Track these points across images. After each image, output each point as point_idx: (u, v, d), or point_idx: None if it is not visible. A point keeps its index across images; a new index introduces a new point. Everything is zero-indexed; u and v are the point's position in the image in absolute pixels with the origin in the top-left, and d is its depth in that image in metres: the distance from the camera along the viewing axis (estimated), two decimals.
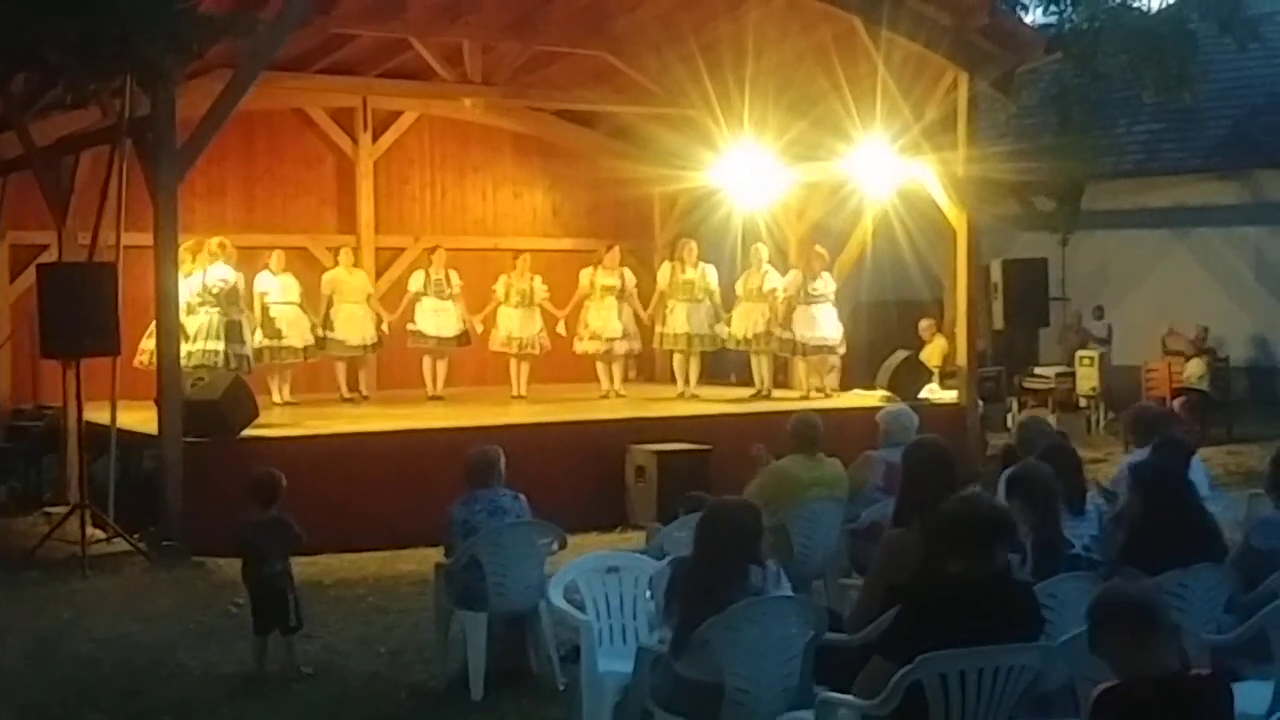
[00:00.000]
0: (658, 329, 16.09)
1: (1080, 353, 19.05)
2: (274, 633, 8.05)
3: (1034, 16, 20.65)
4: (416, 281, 15.92)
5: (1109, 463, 12.54)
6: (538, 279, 16.26)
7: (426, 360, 15.96)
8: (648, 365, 17.53)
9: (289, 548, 8.14)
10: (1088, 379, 18.61)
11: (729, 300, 16.05)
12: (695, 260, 16.01)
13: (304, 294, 15.34)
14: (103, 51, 10.29)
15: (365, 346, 15.68)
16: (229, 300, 14.13)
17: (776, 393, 15.87)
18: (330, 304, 15.51)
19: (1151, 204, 21.48)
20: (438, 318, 15.79)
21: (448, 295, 15.87)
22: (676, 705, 5.50)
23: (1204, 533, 6.29)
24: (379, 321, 15.75)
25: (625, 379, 16.72)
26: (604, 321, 16.01)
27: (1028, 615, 4.99)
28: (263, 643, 8.07)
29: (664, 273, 16.21)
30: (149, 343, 13.11)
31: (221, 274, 14.16)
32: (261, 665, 8.06)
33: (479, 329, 16.08)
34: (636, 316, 16.22)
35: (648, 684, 5.66)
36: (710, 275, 16.03)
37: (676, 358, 16.22)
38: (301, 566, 9.86)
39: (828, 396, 15.41)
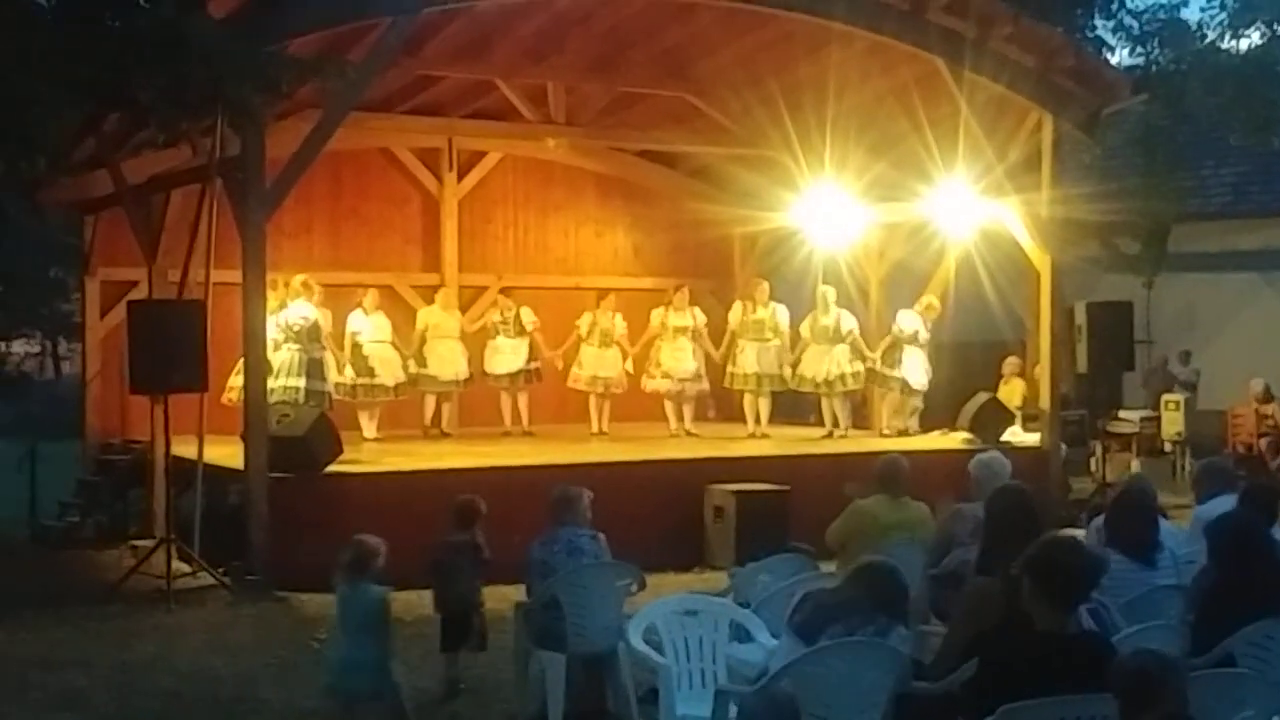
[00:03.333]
0: (729, 369, 16.11)
1: (1165, 397, 18.84)
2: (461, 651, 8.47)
3: (1120, 58, 20.55)
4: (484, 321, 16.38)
5: (1192, 510, 12.36)
6: (618, 317, 16.39)
7: (504, 396, 16.16)
8: (726, 405, 17.50)
9: (478, 570, 8.58)
10: (1173, 423, 18.40)
11: (796, 341, 16.02)
12: (766, 300, 16.04)
13: (395, 332, 15.54)
14: (194, 93, 10.47)
15: (457, 382, 15.90)
16: (310, 338, 14.28)
17: (855, 432, 15.81)
18: (424, 340, 15.72)
19: (1239, 246, 21.23)
20: (504, 356, 16.05)
21: (514, 333, 16.11)
22: None
23: None
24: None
25: (704, 418, 16.77)
26: (678, 361, 16.09)
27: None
28: (450, 659, 8.50)
29: (735, 312, 16.24)
30: (237, 379, 13.27)
31: (302, 311, 14.32)
32: (452, 682, 8.46)
33: (559, 364, 16.22)
34: (708, 356, 16.26)
35: None
36: (781, 315, 16.04)
37: (746, 397, 16.20)
38: None
39: (909, 436, 15.34)
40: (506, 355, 16.12)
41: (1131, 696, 4.32)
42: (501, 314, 16.24)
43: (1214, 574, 6.22)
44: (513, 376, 16.10)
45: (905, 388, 15.92)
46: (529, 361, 16.15)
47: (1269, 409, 18.14)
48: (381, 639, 7.06)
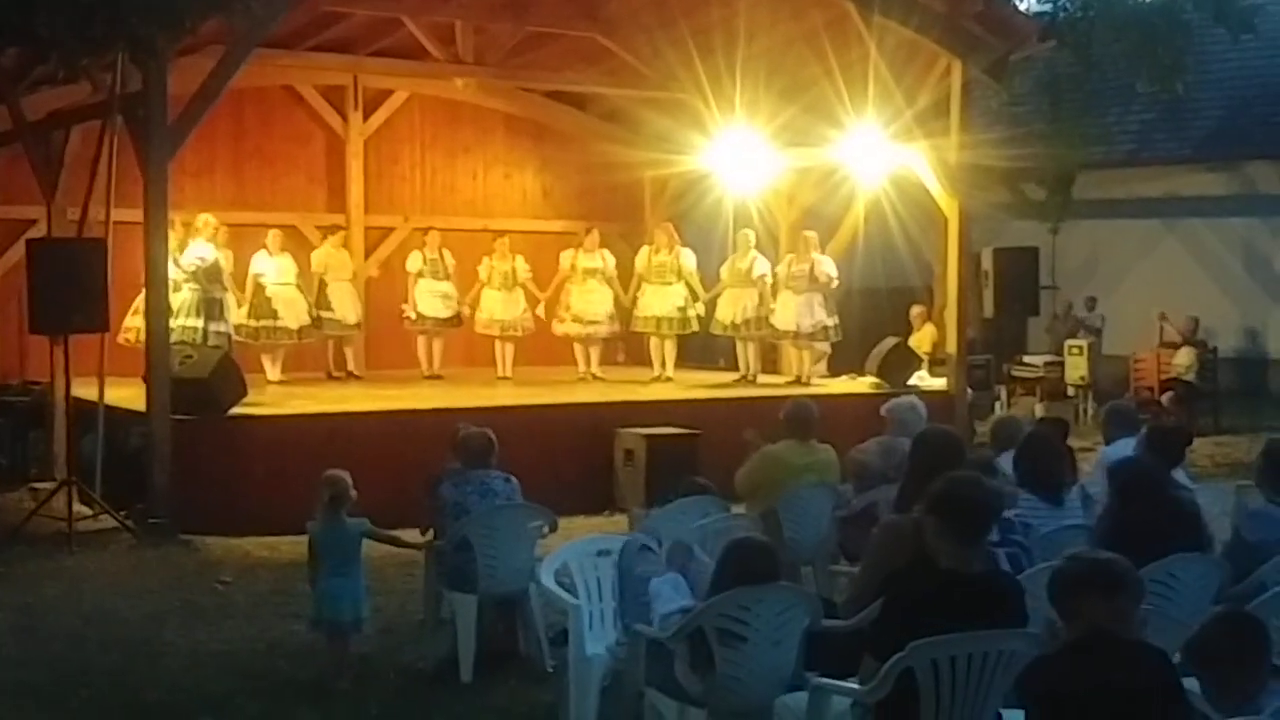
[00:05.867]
0: (634, 312, 16.08)
1: (1069, 342, 19.07)
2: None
3: (1028, 4, 20.65)
4: (414, 262, 16.02)
5: (1096, 452, 12.56)
6: (520, 259, 16.27)
7: (422, 340, 16.06)
8: (636, 349, 17.47)
9: None
10: (1076, 368, 18.64)
11: (713, 285, 15.97)
12: (670, 243, 15.97)
13: (300, 274, 15.34)
14: (95, 26, 10.22)
15: (357, 325, 15.79)
16: (209, 278, 14.06)
17: (765, 378, 15.82)
18: (323, 283, 15.53)
19: (1142, 194, 21.50)
20: (433, 299, 15.84)
21: (443, 276, 15.95)
22: (673, 689, 5.52)
23: (1182, 524, 6.24)
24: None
25: (613, 362, 16.74)
26: (586, 304, 16.00)
27: (1014, 609, 4.97)
28: None
29: (642, 256, 16.16)
30: (134, 320, 13.10)
31: (200, 252, 14.08)
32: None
33: (466, 311, 16.11)
34: (616, 299, 16.20)
35: (643, 668, 5.66)
36: (686, 259, 15.91)
37: (652, 341, 16.14)
38: (289, 545, 9.86)
39: (805, 385, 15.29)
40: (435, 299, 15.96)
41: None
42: (426, 255, 16.02)
43: (1116, 514, 6.29)
44: (437, 321, 15.94)
45: (803, 334, 15.75)
46: (454, 306, 16.04)
47: (1185, 353, 18.34)
48: (360, 570, 7.54)
